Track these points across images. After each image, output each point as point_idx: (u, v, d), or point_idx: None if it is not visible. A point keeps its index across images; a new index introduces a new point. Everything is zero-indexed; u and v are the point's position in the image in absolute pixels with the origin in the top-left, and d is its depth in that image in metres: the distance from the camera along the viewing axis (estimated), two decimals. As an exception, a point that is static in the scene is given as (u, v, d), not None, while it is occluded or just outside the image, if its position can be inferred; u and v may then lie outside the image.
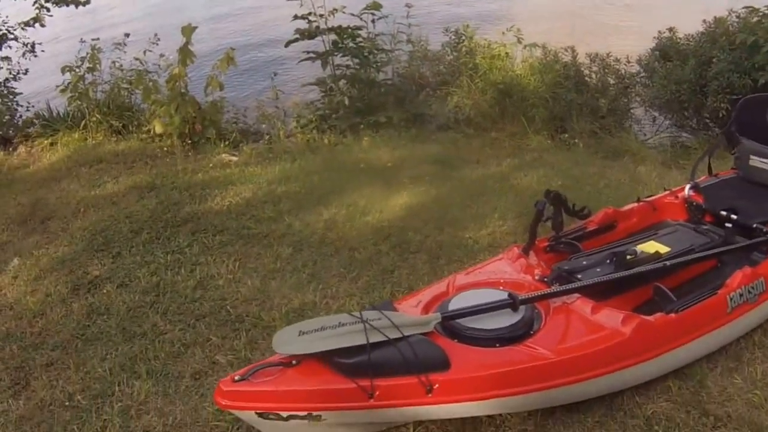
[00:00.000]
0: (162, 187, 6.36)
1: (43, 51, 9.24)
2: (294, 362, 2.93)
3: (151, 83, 7.91)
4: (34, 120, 8.45)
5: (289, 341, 2.98)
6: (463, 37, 8.92)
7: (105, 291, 4.64)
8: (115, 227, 5.55)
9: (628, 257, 3.42)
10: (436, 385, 2.85)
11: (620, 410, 3.16)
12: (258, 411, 2.85)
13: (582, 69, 8.27)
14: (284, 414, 2.85)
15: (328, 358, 2.89)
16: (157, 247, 5.20)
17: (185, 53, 7.44)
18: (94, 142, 7.83)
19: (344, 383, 2.84)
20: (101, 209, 5.93)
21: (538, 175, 6.11)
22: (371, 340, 2.85)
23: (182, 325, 4.21)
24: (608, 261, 3.49)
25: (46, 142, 7.93)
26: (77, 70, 8.12)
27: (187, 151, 7.48)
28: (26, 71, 9.11)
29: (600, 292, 3.30)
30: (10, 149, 8.00)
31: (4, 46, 8.95)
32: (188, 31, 7.44)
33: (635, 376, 3.13)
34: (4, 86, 8.92)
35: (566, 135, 7.63)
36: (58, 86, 8.16)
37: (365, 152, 7.18)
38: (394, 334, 2.89)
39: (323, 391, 2.87)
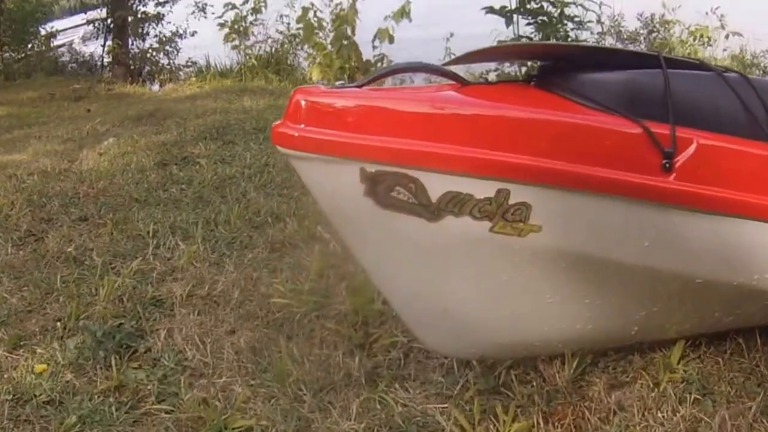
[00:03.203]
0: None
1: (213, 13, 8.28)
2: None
3: (315, 20, 6.58)
4: (189, 64, 7.51)
5: None
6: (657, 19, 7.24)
7: (197, 166, 3.18)
8: (238, 125, 4.14)
9: None
10: None
11: None
12: (369, 166, 1.08)
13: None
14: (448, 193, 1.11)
15: (565, 72, 1.24)
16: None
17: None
18: (245, 82, 6.63)
19: (606, 120, 1.14)
20: (228, 114, 4.56)
21: None
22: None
23: (281, 198, 2.63)
24: None
25: (196, 81, 6.86)
26: (239, 9, 7.00)
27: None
28: (194, 33, 8.16)
29: None
30: (159, 85, 7.03)
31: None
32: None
33: None
34: (169, 42, 8.04)
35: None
36: (217, 18, 7.06)
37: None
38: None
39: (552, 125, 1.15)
